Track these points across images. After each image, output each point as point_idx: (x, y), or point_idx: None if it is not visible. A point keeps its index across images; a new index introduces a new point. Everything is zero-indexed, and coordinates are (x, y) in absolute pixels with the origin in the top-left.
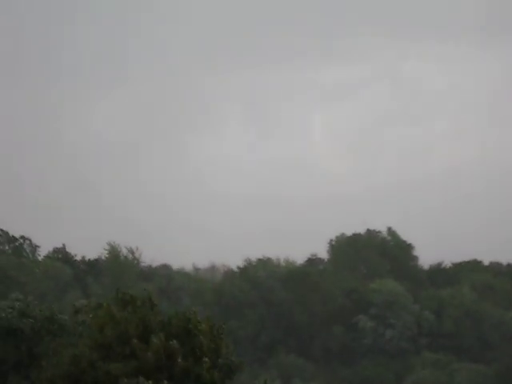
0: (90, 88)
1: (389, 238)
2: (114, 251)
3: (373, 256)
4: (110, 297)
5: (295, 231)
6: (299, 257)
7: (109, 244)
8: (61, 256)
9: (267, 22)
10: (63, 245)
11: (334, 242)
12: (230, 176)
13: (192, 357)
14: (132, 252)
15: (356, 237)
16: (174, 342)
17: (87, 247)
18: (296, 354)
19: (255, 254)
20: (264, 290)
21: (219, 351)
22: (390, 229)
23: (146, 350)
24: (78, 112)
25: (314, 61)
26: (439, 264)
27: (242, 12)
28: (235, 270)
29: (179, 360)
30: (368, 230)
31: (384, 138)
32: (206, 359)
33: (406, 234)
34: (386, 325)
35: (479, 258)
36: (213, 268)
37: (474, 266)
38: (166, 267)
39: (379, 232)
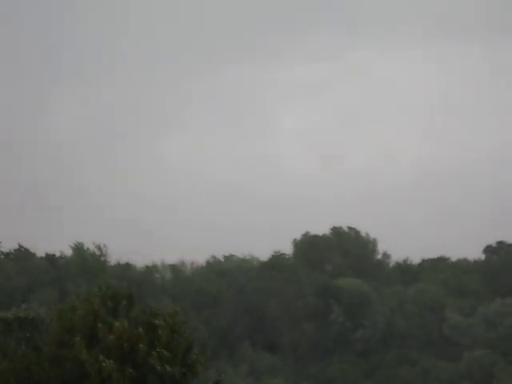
0: (90, 88)
1: (353, 236)
2: (78, 248)
3: (337, 254)
4: (91, 291)
5: (261, 229)
6: (264, 254)
7: (75, 243)
8: (22, 252)
9: (231, 21)
10: (19, 244)
11: (298, 241)
12: (204, 174)
13: (152, 349)
14: (99, 249)
15: (321, 237)
16: (140, 329)
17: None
18: (266, 350)
19: (225, 250)
20: (233, 285)
21: (179, 346)
22: (353, 228)
23: (108, 333)
24: (66, 111)
25: (287, 59)
26: (405, 261)
27: (206, 11)
28: (204, 264)
29: (141, 345)
30: (333, 228)
31: (357, 138)
32: (163, 351)
33: (373, 234)
34: (355, 323)
35: (447, 255)
36: (182, 264)
37: (440, 262)
38: (132, 265)
39: (344, 230)
